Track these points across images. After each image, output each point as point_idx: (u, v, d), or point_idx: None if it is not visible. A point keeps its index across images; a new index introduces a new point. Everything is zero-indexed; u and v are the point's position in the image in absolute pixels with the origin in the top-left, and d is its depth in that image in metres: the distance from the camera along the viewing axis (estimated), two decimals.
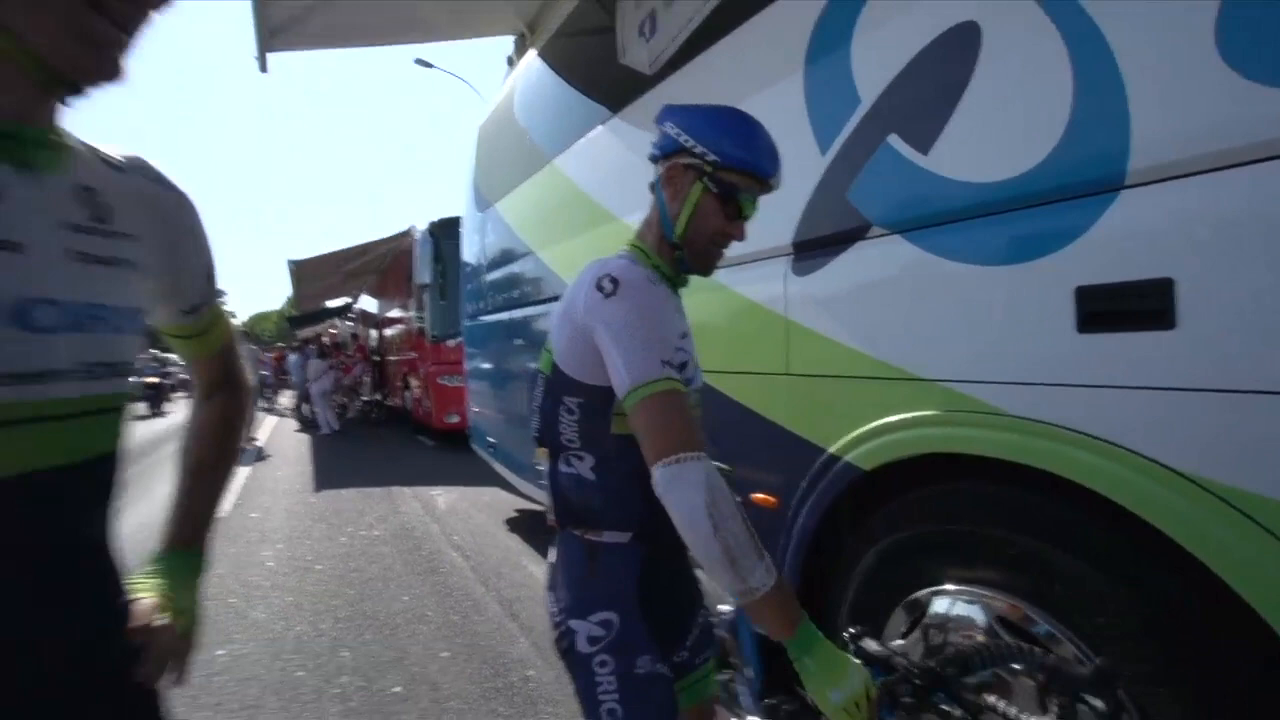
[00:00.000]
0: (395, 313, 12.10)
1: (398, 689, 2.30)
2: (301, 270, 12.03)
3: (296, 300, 16.95)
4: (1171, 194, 0.92)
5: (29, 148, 0.56)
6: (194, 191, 0.73)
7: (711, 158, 0.95)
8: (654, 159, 1.03)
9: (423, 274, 8.53)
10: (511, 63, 4.45)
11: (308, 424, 11.28)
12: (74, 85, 0.54)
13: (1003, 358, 1.15)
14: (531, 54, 3.67)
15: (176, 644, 0.70)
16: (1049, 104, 1.06)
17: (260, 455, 8.14)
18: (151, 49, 0.58)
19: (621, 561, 0.97)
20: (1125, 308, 0.96)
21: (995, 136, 1.16)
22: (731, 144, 0.95)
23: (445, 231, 8.02)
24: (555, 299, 3.13)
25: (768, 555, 0.82)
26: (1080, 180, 1.02)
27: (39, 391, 0.54)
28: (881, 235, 1.37)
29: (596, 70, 2.77)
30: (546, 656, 2.48)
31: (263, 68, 3.29)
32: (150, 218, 0.66)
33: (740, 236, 1.00)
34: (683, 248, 1.00)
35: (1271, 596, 0.84)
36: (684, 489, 0.80)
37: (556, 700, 2.19)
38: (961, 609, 1.26)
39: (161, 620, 0.67)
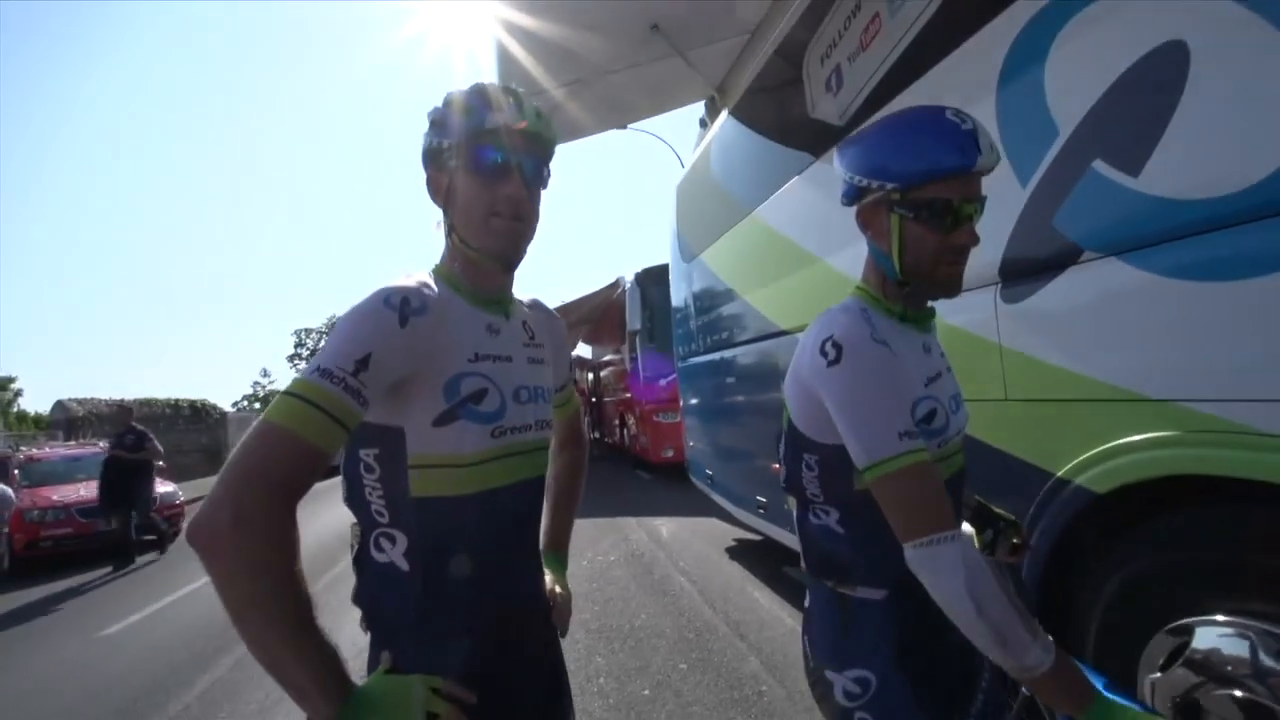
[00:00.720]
0: (609, 356, 13.22)
1: (646, 692, 2.62)
2: None
3: None
4: None
5: (508, 305, 0.95)
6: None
7: (891, 187, 0.87)
8: (847, 206, 0.98)
9: (633, 320, 9.30)
10: (704, 124, 4.86)
11: None
12: (513, 264, 0.92)
13: (1254, 375, 1.10)
14: (724, 115, 4.01)
15: (567, 608, 1.07)
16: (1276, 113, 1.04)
17: None
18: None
19: (877, 619, 0.92)
20: None
21: (1219, 151, 1.14)
22: (905, 162, 0.87)
23: (651, 280, 8.72)
24: (765, 339, 3.35)
25: (1042, 630, 0.78)
26: None
27: (528, 435, 0.90)
28: (1097, 259, 1.37)
29: (790, 122, 2.99)
30: (777, 675, 2.62)
31: None
32: (545, 332, 1.03)
33: (972, 241, 0.89)
34: (909, 282, 0.92)
35: None
36: (940, 573, 0.78)
37: (790, 717, 2.32)
38: (1245, 644, 1.18)
39: (561, 591, 1.07)
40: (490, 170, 0.85)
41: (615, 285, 10.75)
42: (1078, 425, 1.44)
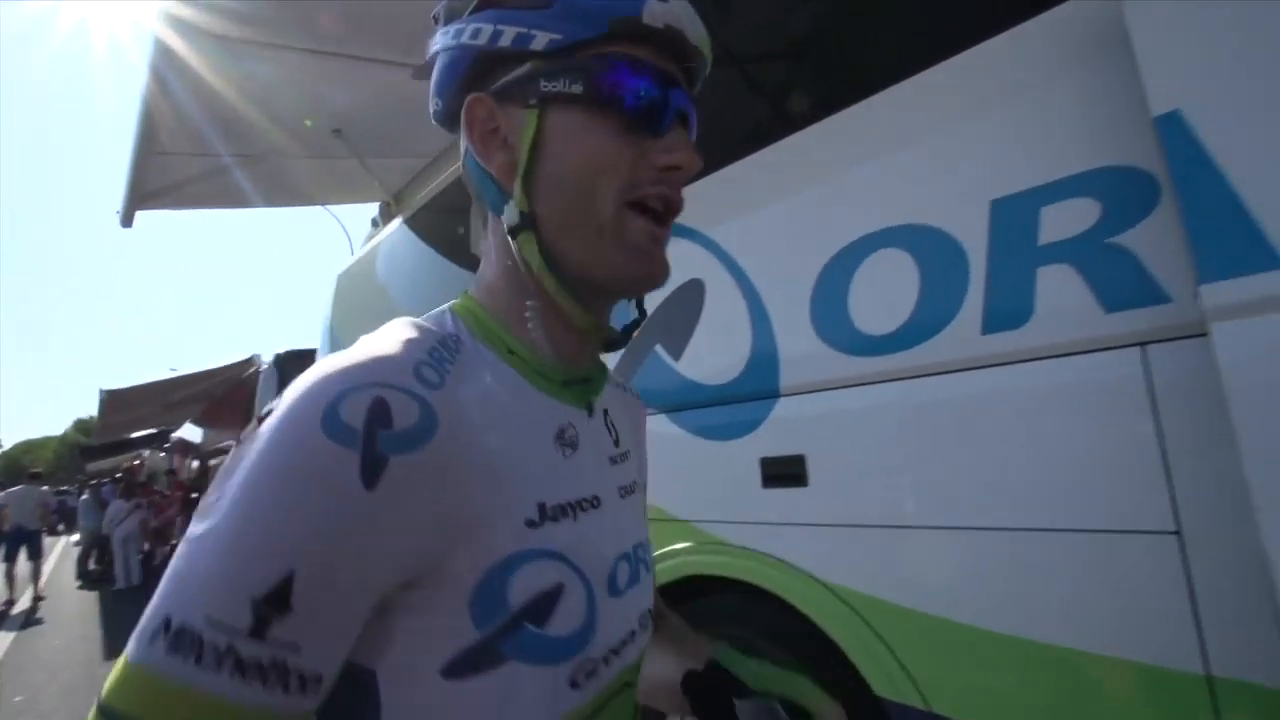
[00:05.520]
0: (227, 443, 11.15)
1: None
2: (115, 400, 10.87)
3: (99, 429, 14.98)
4: (806, 401, 1.52)
5: (599, 385, 0.52)
6: None
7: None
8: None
9: (264, 406, 8.14)
10: (376, 224, 4.89)
11: (95, 578, 9.73)
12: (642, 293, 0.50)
13: (727, 504, 1.67)
14: (398, 221, 4.15)
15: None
16: (743, 335, 1.67)
17: (27, 621, 6.89)
18: None
19: None
20: (783, 471, 1.52)
21: (714, 354, 1.75)
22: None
23: (294, 364, 7.88)
24: None
25: None
26: (762, 388, 1.62)
27: (628, 657, 0.46)
28: (653, 413, 1.90)
29: (460, 246, 3.28)
30: None
31: (126, 223, 3.46)
32: (630, 428, 0.58)
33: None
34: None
35: (868, 663, 1.35)
36: None
37: None
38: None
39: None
40: (644, 112, 0.44)
41: (249, 363, 9.38)
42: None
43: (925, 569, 1.29)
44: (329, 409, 0.35)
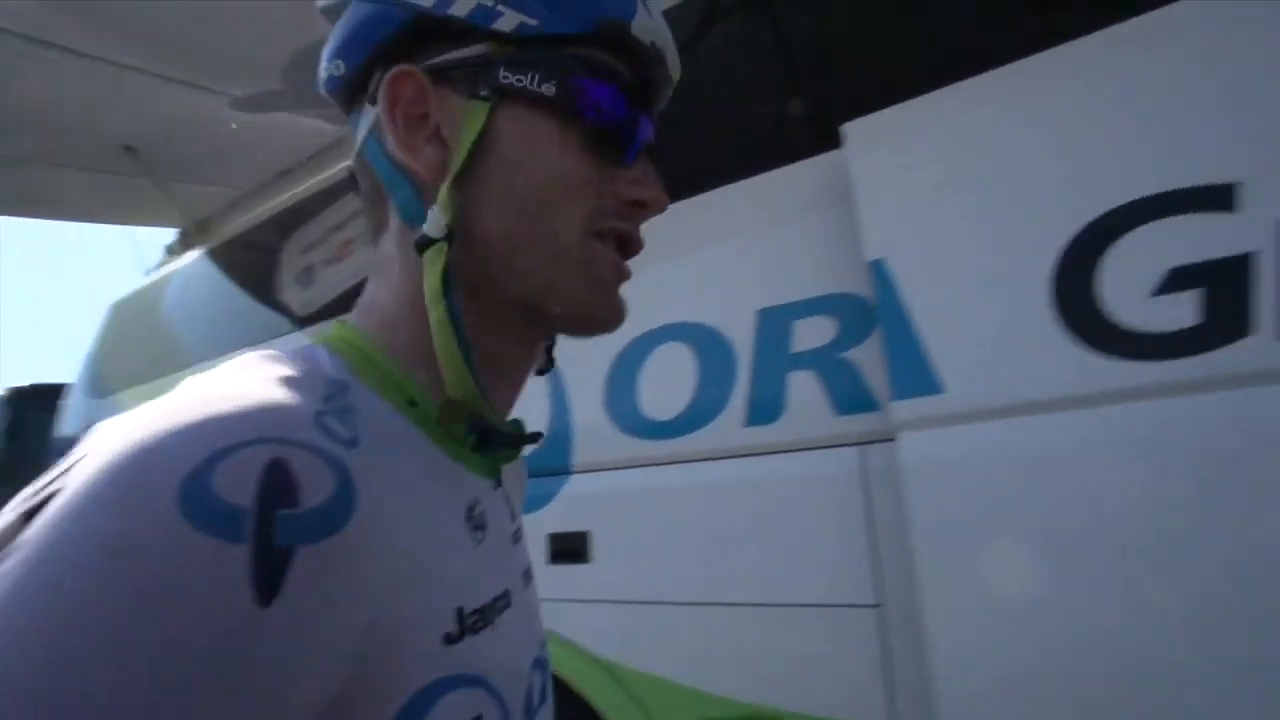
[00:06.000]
0: None
1: None
2: None
3: None
4: (593, 479, 1.59)
5: (512, 456, 0.43)
6: None
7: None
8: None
9: None
10: (172, 252, 4.35)
11: None
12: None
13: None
14: (198, 254, 3.73)
15: None
16: (542, 411, 1.72)
17: None
18: None
19: None
20: (568, 547, 1.56)
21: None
22: None
23: (31, 403, 6.50)
24: None
25: None
26: (555, 464, 1.66)
27: None
28: None
29: (267, 289, 3.02)
30: None
31: None
32: (519, 496, 0.50)
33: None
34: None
35: None
36: None
37: None
38: None
39: None
40: (620, 135, 0.39)
41: None
42: None
43: (687, 644, 1.38)
44: (192, 480, 0.21)
